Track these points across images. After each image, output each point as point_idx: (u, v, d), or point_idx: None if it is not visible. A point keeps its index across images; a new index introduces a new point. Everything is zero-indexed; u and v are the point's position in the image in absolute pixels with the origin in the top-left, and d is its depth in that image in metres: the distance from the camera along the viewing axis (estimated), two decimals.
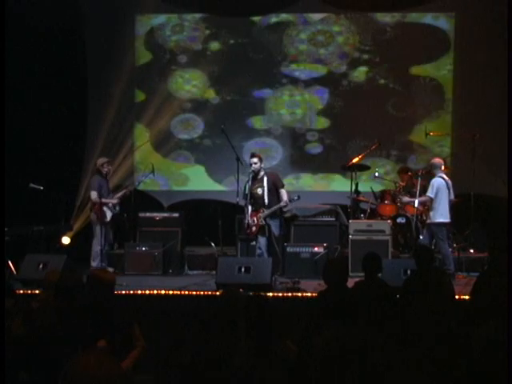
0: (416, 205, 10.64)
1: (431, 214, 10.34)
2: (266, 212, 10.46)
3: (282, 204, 10.47)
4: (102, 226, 10.77)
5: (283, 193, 10.54)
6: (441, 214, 10.29)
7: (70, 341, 5.11)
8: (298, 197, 10.47)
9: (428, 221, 10.46)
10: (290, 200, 10.47)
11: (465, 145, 11.74)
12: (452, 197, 10.53)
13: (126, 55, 13.14)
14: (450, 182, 10.51)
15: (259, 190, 10.51)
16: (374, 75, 13.18)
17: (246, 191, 10.49)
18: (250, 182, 10.49)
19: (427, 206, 10.58)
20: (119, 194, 11.16)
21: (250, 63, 13.33)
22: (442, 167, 10.53)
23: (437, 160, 10.71)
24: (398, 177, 12.18)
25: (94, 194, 10.96)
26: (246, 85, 13.37)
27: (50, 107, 12.58)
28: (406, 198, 11.12)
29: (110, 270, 10.56)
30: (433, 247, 10.26)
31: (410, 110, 13.13)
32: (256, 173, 10.52)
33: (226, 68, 13.33)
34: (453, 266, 10.09)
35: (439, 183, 10.33)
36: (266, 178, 10.53)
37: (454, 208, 11.51)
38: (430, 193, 10.35)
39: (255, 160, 10.51)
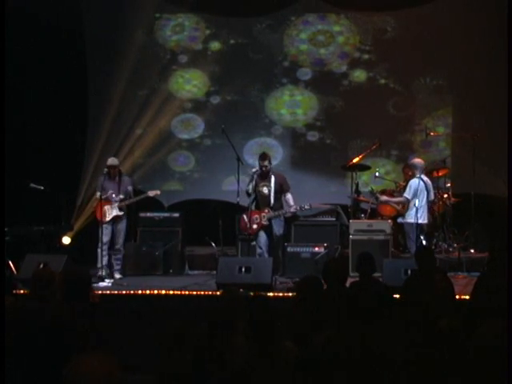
0: (395, 204, 10.92)
1: (406, 213, 10.50)
2: (272, 214, 10.42)
3: (292, 210, 10.45)
4: (101, 225, 10.62)
5: (290, 197, 10.52)
6: (415, 215, 10.40)
7: (72, 341, 5.11)
8: (310, 206, 10.49)
9: (401, 220, 10.69)
10: (301, 208, 10.44)
11: (465, 145, 11.73)
12: (432, 197, 10.70)
13: (126, 55, 13.12)
14: (429, 182, 10.65)
15: (265, 190, 10.49)
16: (374, 75, 13.17)
17: (250, 190, 10.43)
18: (253, 181, 10.43)
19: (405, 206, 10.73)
20: (127, 201, 10.86)
21: (251, 63, 13.32)
22: (422, 167, 10.74)
23: (417, 160, 10.85)
24: (401, 173, 12.22)
25: (96, 194, 10.95)
26: (247, 85, 13.37)
27: (50, 107, 12.57)
28: (384, 197, 11.18)
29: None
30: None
31: (411, 110, 13.12)
32: (265, 172, 10.49)
33: (227, 68, 13.32)
34: None
35: (417, 184, 10.42)
36: (273, 179, 10.51)
37: (453, 208, 11.58)
38: (406, 193, 10.52)
39: (266, 163, 10.50)
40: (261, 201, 10.50)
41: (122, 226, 10.80)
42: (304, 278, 6.11)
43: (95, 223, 10.94)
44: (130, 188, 10.98)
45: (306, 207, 10.48)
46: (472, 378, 3.80)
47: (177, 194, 13.46)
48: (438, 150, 12.95)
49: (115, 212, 10.72)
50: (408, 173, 11.81)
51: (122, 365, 3.11)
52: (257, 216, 10.44)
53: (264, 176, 10.52)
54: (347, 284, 6.77)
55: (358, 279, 7.05)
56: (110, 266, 10.76)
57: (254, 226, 10.43)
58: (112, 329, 5.93)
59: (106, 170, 10.75)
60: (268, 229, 10.46)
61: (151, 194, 11.03)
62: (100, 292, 9.35)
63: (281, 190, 10.56)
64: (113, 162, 10.92)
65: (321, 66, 13.33)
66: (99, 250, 10.57)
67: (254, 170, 10.58)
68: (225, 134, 10.80)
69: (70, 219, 12.30)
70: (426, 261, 7.18)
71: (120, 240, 10.79)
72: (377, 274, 8.00)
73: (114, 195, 10.70)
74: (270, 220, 10.46)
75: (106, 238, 10.66)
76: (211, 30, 13.39)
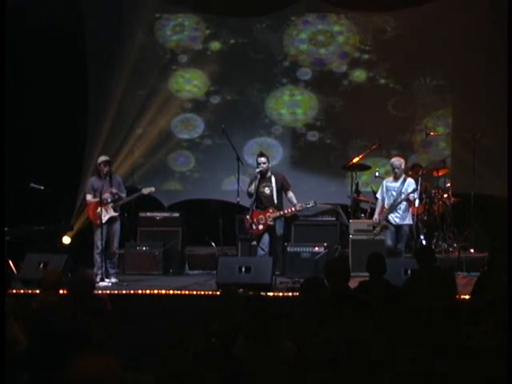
0: (416, 205, 10.60)
1: (406, 215, 10.26)
2: (277, 213, 10.32)
3: (298, 208, 10.39)
4: (99, 228, 10.23)
5: (293, 195, 10.46)
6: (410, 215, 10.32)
7: (72, 341, 5.12)
8: (315, 203, 10.42)
9: (401, 222, 10.27)
10: (306, 205, 10.34)
11: (465, 145, 11.73)
12: None
13: (127, 55, 13.13)
14: None
15: (267, 190, 10.42)
16: (374, 75, 13.18)
17: (252, 190, 10.37)
18: (256, 182, 10.38)
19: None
20: (122, 201, 10.49)
21: (251, 63, 13.34)
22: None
23: (400, 159, 10.58)
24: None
25: (87, 197, 10.48)
26: (247, 85, 13.38)
27: (50, 107, 12.57)
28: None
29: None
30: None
31: (411, 110, 13.13)
32: (264, 172, 10.46)
33: (227, 68, 13.33)
34: None
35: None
36: (274, 179, 10.46)
37: (453, 208, 11.60)
38: (415, 193, 10.29)
39: (264, 160, 10.39)
40: (264, 201, 10.41)
41: (116, 228, 10.43)
42: (307, 279, 6.10)
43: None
44: (121, 188, 10.57)
45: (311, 204, 10.40)
46: (472, 377, 3.81)
47: (177, 193, 13.47)
48: (438, 150, 12.96)
49: (110, 213, 10.34)
50: (407, 174, 11.75)
51: (122, 365, 3.11)
52: (262, 216, 10.33)
53: (263, 176, 10.46)
54: (355, 283, 6.76)
55: (367, 279, 6.98)
56: (106, 270, 10.39)
57: (260, 227, 10.29)
58: (112, 329, 5.93)
59: (106, 169, 10.36)
60: (271, 229, 10.42)
61: (145, 191, 10.70)
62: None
63: (282, 189, 10.52)
64: (106, 158, 10.56)
65: (321, 66, 13.34)
66: (97, 256, 10.27)
67: (257, 170, 10.45)
68: (225, 134, 10.79)
69: (70, 219, 12.30)
70: (426, 260, 7.17)
71: (115, 243, 10.43)
72: None
73: (109, 198, 10.32)
74: (274, 220, 10.40)
75: (102, 243, 10.29)
76: (211, 30, 13.40)
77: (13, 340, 5.23)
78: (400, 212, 10.32)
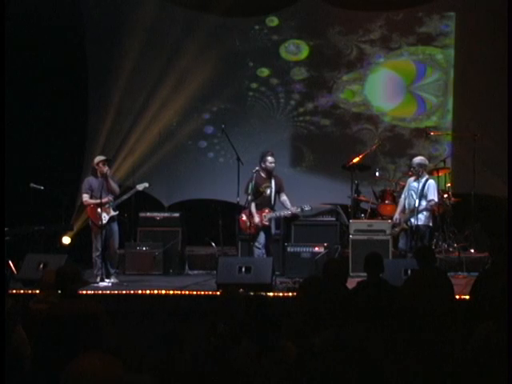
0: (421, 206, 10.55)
1: (424, 215, 10.18)
2: (273, 214, 10.34)
3: (294, 211, 10.38)
4: (99, 229, 10.20)
5: (286, 199, 10.46)
6: (430, 216, 10.28)
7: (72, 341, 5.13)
8: (311, 207, 10.45)
9: (416, 223, 10.13)
10: (302, 209, 10.35)
11: (465, 145, 11.73)
12: None
13: (126, 55, 13.12)
14: None
15: (268, 191, 10.43)
16: None
17: (249, 190, 10.34)
18: (253, 181, 10.34)
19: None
20: (119, 200, 10.51)
21: (251, 63, 13.34)
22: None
23: (420, 158, 10.49)
24: (400, 173, 12.19)
25: (84, 197, 10.36)
26: (247, 84, 13.39)
27: (51, 107, 12.57)
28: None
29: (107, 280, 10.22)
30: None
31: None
32: (269, 172, 10.43)
33: (227, 68, 13.32)
34: None
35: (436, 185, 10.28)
36: (273, 180, 10.47)
37: (453, 208, 11.59)
38: (435, 196, 10.21)
39: (273, 159, 10.37)
40: (263, 201, 10.41)
41: (116, 228, 10.41)
42: (306, 278, 6.11)
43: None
44: (117, 189, 10.51)
45: (307, 208, 10.41)
46: (471, 377, 3.81)
47: (177, 193, 13.46)
48: (438, 150, 12.97)
49: (111, 213, 10.31)
50: (406, 173, 11.74)
51: (122, 365, 3.11)
52: (257, 216, 10.37)
53: (268, 176, 10.44)
54: (354, 283, 6.76)
55: (365, 279, 6.97)
56: (107, 270, 10.36)
57: (256, 226, 10.34)
58: (112, 329, 5.94)
59: (106, 168, 10.28)
60: (267, 229, 10.42)
61: (140, 187, 10.74)
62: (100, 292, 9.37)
63: (278, 192, 10.52)
64: (105, 157, 10.50)
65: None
66: (96, 258, 10.23)
67: (254, 170, 10.41)
68: (225, 134, 10.79)
69: (70, 219, 12.29)
70: (426, 260, 7.17)
71: (115, 244, 10.43)
72: None
73: (112, 201, 10.30)
74: (270, 220, 10.41)
75: (102, 244, 10.24)
76: (210, 30, 13.38)
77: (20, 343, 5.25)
78: (420, 214, 10.18)
